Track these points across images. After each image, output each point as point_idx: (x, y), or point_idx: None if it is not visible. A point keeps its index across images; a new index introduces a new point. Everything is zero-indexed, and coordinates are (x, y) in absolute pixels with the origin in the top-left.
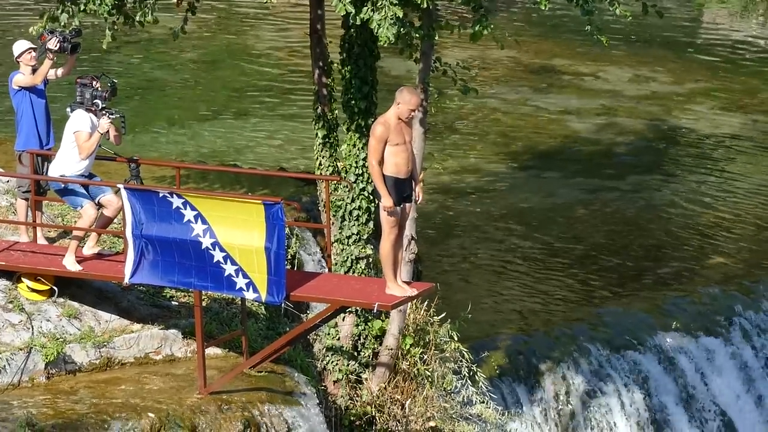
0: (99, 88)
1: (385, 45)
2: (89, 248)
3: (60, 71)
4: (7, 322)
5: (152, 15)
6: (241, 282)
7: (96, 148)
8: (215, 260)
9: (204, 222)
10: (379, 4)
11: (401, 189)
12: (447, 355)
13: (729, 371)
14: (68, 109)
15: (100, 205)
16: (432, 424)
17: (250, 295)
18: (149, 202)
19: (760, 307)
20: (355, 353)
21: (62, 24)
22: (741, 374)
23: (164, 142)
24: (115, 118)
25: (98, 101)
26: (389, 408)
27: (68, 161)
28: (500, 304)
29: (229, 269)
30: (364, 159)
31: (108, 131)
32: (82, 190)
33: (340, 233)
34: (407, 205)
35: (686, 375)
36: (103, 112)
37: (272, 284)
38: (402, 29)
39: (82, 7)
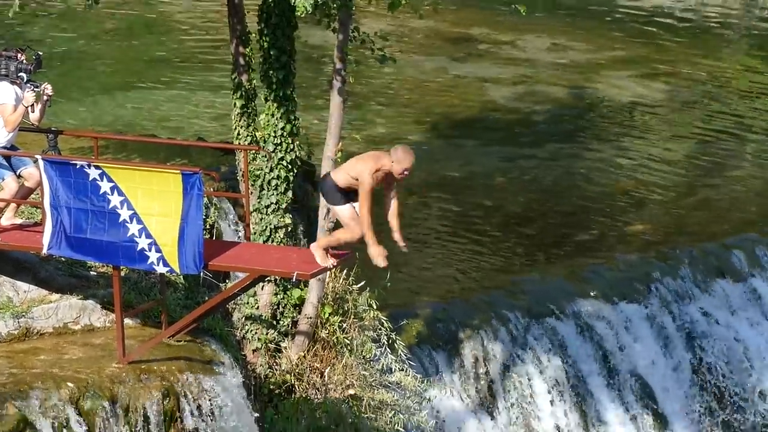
0: (24, 61)
1: (303, 15)
2: (8, 219)
3: None
4: None
5: None
6: (153, 256)
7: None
8: (129, 234)
9: (120, 194)
10: None
11: (348, 193)
12: (366, 323)
13: (647, 337)
14: None
15: (20, 177)
16: (351, 392)
17: (161, 269)
18: (66, 173)
19: (677, 273)
20: (275, 322)
21: None
22: (659, 340)
23: (82, 113)
24: (38, 92)
25: (23, 74)
26: (308, 376)
27: None
28: (419, 272)
29: (142, 243)
30: (282, 128)
31: (33, 104)
32: (4, 163)
33: (259, 202)
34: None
35: (604, 341)
36: (29, 84)
37: (190, 254)
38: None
39: None
